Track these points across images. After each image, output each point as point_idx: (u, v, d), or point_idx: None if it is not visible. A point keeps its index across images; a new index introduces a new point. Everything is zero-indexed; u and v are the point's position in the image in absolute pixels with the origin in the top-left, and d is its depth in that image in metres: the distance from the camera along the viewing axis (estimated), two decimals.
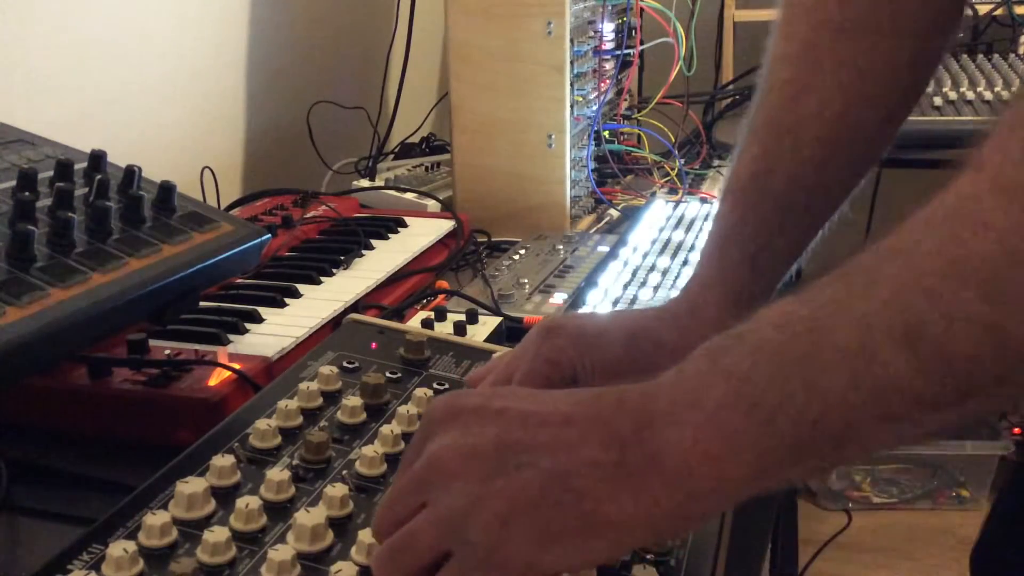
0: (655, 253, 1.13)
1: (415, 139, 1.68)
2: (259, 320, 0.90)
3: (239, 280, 1.01)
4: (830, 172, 0.67)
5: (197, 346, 0.82)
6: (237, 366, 0.77)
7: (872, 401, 0.41)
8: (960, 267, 0.39)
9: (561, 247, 1.15)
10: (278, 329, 0.88)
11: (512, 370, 0.61)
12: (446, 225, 1.22)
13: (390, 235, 1.18)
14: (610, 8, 1.44)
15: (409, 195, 1.36)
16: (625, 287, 1.02)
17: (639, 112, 1.62)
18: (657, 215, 1.28)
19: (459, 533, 0.46)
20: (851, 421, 0.41)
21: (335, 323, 0.91)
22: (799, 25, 0.67)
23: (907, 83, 0.68)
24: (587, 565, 0.48)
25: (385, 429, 0.64)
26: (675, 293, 0.98)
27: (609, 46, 1.44)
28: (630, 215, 1.34)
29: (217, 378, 0.76)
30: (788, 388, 0.42)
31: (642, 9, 1.52)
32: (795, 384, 0.42)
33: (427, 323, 0.87)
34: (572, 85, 1.26)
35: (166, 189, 0.84)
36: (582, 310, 0.95)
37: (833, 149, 0.66)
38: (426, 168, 1.53)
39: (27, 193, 0.77)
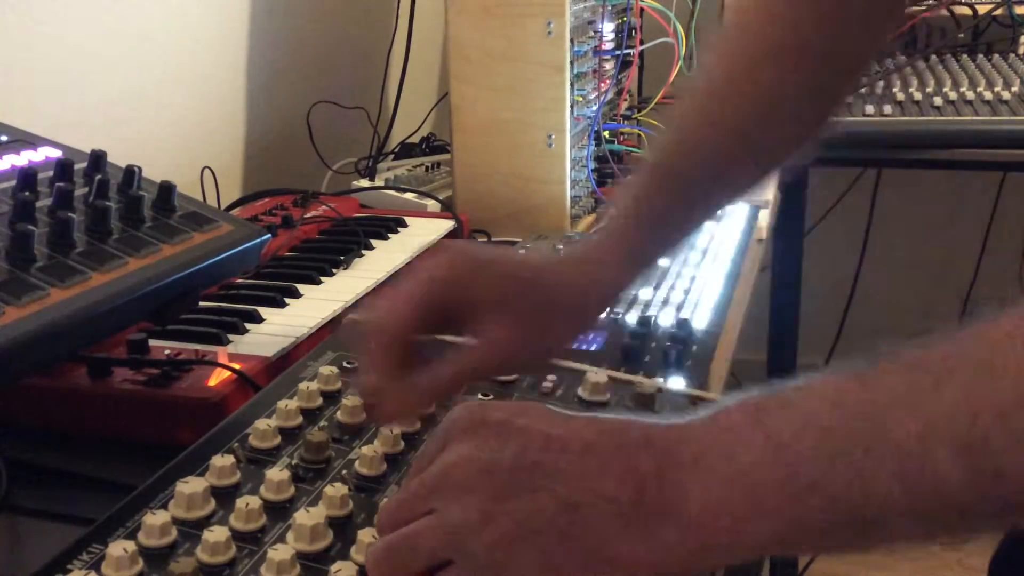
0: None
1: (415, 139, 1.68)
2: (259, 320, 0.90)
3: (239, 280, 1.01)
4: (737, 172, 0.72)
5: (197, 346, 0.82)
6: (237, 366, 0.77)
7: (915, 502, 0.41)
8: None
9: (561, 247, 1.15)
10: (278, 329, 0.88)
11: (406, 291, 0.60)
12: (446, 225, 1.22)
13: (390, 235, 1.18)
14: (610, 8, 1.44)
15: (409, 195, 1.36)
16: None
17: (639, 112, 1.62)
18: None
19: (464, 545, 0.46)
20: (887, 514, 0.42)
21: (335, 323, 0.91)
22: (744, 35, 0.72)
23: (836, 97, 0.75)
24: None
25: (385, 429, 0.64)
26: (675, 293, 0.99)
27: (609, 46, 1.44)
28: None
29: (217, 378, 0.76)
30: (832, 468, 0.42)
31: (642, 9, 1.52)
32: (840, 466, 0.42)
33: None
34: (572, 85, 1.26)
35: (166, 189, 0.84)
36: None
37: (744, 152, 0.71)
38: (426, 168, 1.53)
39: (27, 193, 0.77)
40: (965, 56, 1.77)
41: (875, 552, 0.44)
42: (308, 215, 1.23)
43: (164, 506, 0.57)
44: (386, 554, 0.49)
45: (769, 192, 1.43)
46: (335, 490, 0.57)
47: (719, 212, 0.75)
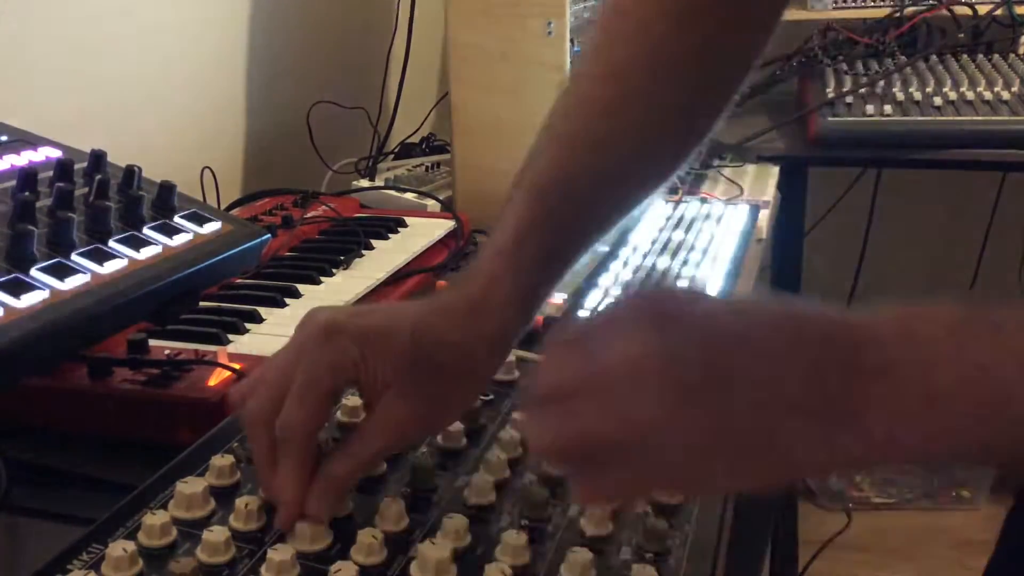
0: (655, 253, 1.13)
1: (415, 139, 1.68)
2: (259, 320, 0.90)
3: (239, 280, 1.01)
4: (627, 187, 0.69)
5: (197, 346, 0.82)
6: (237, 366, 0.77)
7: None
8: None
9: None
10: (278, 329, 0.88)
11: (288, 376, 0.56)
12: (446, 225, 1.22)
13: (390, 235, 1.18)
14: None
15: (409, 195, 1.36)
16: (625, 287, 1.02)
17: None
18: (657, 215, 1.28)
19: (649, 440, 0.45)
20: None
21: None
22: (617, 48, 0.68)
23: (707, 116, 0.71)
24: (753, 490, 0.51)
25: None
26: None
27: None
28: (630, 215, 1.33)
29: (217, 378, 0.76)
30: None
31: None
32: None
33: None
34: None
35: (166, 189, 0.84)
36: (582, 310, 0.95)
37: (633, 170, 0.68)
38: (426, 168, 1.53)
39: (27, 193, 0.77)
40: (965, 56, 1.77)
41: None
42: (308, 215, 1.23)
43: (164, 506, 0.57)
44: (557, 428, 0.47)
45: (769, 192, 1.43)
46: None
47: (609, 231, 0.71)
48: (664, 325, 0.46)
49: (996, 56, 1.76)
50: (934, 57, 1.78)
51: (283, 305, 0.95)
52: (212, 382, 0.75)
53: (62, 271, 0.70)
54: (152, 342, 0.81)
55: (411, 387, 0.57)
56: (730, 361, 0.45)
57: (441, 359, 0.58)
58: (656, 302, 0.48)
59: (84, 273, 0.71)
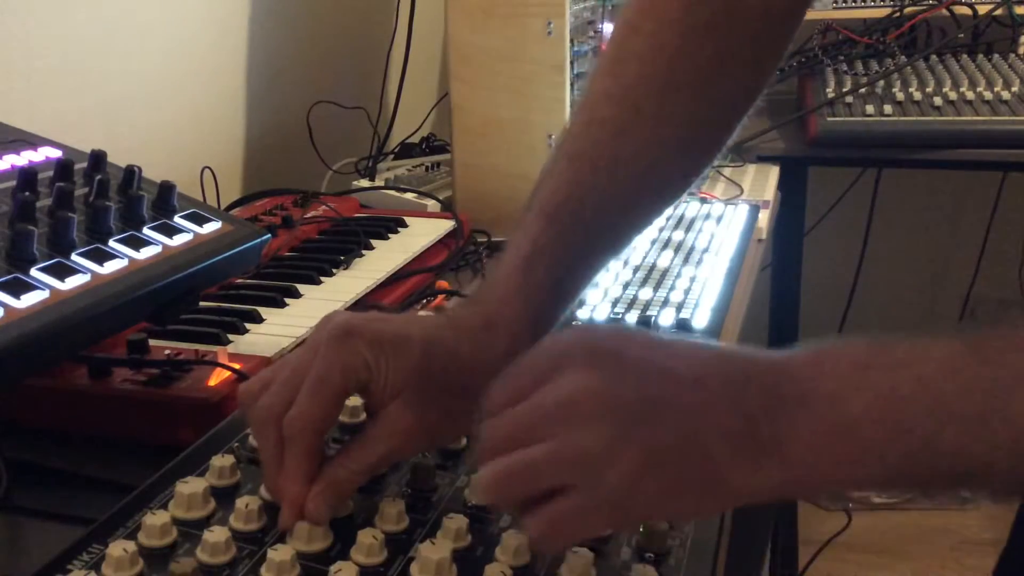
0: (655, 253, 1.13)
1: (415, 139, 1.68)
2: (259, 320, 0.90)
3: (239, 280, 1.01)
4: (638, 207, 0.70)
5: (197, 346, 0.82)
6: (237, 366, 0.77)
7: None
8: None
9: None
10: (278, 329, 0.88)
11: (300, 374, 0.57)
12: (446, 225, 1.22)
13: (390, 235, 1.18)
14: (610, 8, 1.44)
15: (409, 195, 1.36)
16: (625, 287, 1.02)
17: None
18: None
19: (591, 473, 0.47)
20: (990, 478, 0.45)
21: None
22: (629, 67, 0.69)
23: (719, 136, 0.72)
24: (695, 518, 0.53)
25: None
26: (676, 293, 0.99)
27: None
28: None
29: (217, 378, 0.76)
30: (942, 431, 0.44)
31: None
32: (950, 431, 0.44)
33: None
34: (572, 85, 1.26)
35: (166, 189, 0.84)
36: (582, 311, 0.95)
37: (643, 190, 0.69)
38: (426, 168, 1.53)
39: (27, 193, 0.77)
40: (965, 56, 1.77)
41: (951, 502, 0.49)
42: (308, 215, 1.23)
43: (164, 506, 0.57)
44: (506, 477, 0.49)
45: (769, 192, 1.43)
46: None
47: (620, 251, 0.73)
48: (598, 362, 0.49)
49: (996, 56, 1.76)
50: (934, 57, 1.78)
51: (283, 305, 0.95)
52: (212, 382, 0.75)
53: (62, 271, 0.70)
54: (152, 342, 0.81)
55: (419, 397, 0.58)
56: (662, 393, 0.48)
57: (451, 373, 0.59)
58: (590, 341, 0.51)
59: (84, 273, 0.71)
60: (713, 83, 0.68)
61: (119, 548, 0.51)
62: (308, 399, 0.56)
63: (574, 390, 0.48)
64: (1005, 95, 1.58)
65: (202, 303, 0.89)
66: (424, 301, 1.00)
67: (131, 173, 0.84)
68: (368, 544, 0.53)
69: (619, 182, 0.67)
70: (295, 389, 0.56)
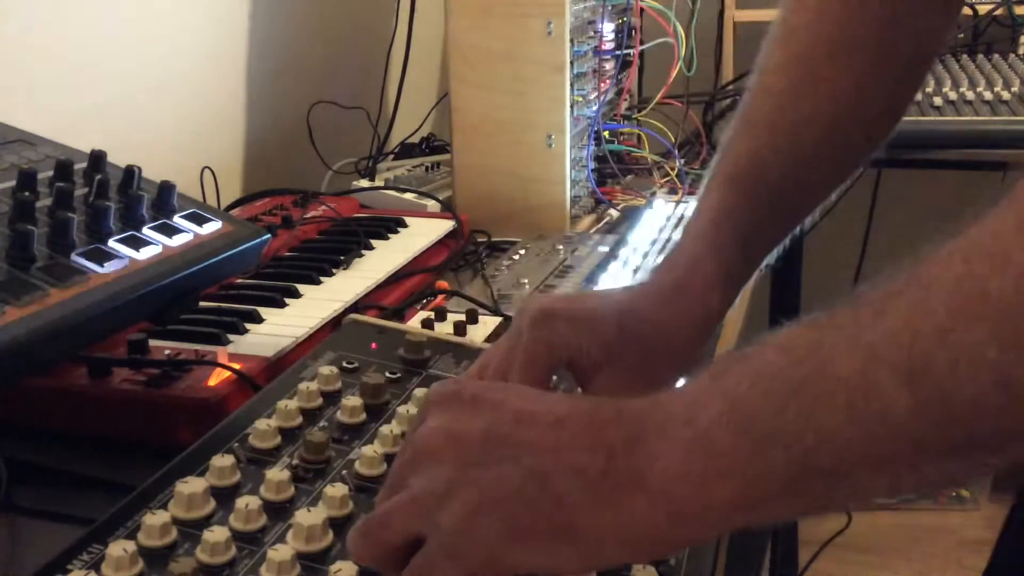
0: (655, 253, 1.13)
1: (415, 139, 1.68)
2: (259, 320, 0.90)
3: (239, 280, 1.01)
4: (820, 171, 0.70)
5: (197, 346, 0.82)
6: (237, 366, 0.77)
7: (867, 439, 0.39)
8: (973, 304, 0.36)
9: (561, 247, 1.15)
10: (278, 329, 0.88)
11: (510, 358, 0.59)
12: (446, 225, 1.22)
13: (390, 235, 1.18)
14: (610, 8, 1.44)
15: (409, 195, 1.36)
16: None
17: (639, 112, 1.62)
18: (657, 215, 1.28)
19: (430, 517, 0.45)
20: (845, 458, 0.39)
21: (335, 323, 0.91)
22: (798, 37, 0.69)
23: (898, 96, 0.71)
24: (553, 571, 0.46)
25: (385, 429, 0.64)
26: None
27: (609, 46, 1.44)
28: (630, 215, 1.34)
29: (217, 378, 0.76)
30: (783, 415, 0.40)
31: (642, 9, 1.52)
32: (790, 412, 0.40)
33: (427, 323, 0.87)
34: (572, 85, 1.26)
35: (166, 189, 0.84)
36: None
37: (825, 151, 0.69)
38: (426, 168, 1.53)
39: (27, 193, 0.77)
40: (965, 56, 1.77)
41: (850, 510, 0.43)
42: (308, 215, 1.23)
43: (164, 506, 0.57)
44: (362, 534, 0.48)
45: None
46: (335, 490, 0.57)
47: (808, 219, 0.72)
48: (456, 406, 0.48)
49: (996, 56, 1.76)
50: None
51: (283, 305, 0.95)
52: (212, 382, 0.75)
53: (62, 271, 0.70)
54: (152, 342, 0.81)
55: (623, 365, 0.60)
56: (513, 432, 0.46)
57: (649, 339, 0.61)
58: (451, 387, 0.50)
59: (84, 273, 0.71)
60: (885, 42, 0.68)
61: (119, 548, 0.51)
62: (520, 376, 0.58)
63: (426, 434, 0.48)
64: (1005, 95, 1.58)
65: (202, 303, 0.89)
66: (424, 301, 1.00)
67: (131, 173, 0.84)
68: None
69: (800, 144, 0.67)
70: (507, 372, 0.59)
